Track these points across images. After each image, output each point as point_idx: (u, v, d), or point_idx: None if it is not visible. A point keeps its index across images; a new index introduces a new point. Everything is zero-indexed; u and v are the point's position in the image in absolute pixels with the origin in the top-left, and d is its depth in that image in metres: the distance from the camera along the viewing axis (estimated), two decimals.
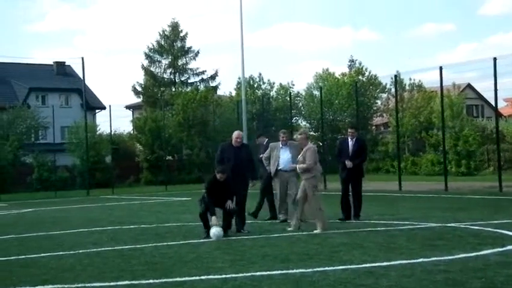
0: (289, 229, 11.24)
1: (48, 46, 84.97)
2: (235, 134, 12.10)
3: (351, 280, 6.81)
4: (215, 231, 10.59)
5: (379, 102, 48.01)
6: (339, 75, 48.21)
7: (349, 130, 13.42)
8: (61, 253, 9.60)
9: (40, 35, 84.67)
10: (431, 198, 19.32)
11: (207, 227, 10.80)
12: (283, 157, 13.08)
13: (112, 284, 7.10)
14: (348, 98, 43.73)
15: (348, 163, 12.77)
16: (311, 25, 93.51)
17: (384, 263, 7.70)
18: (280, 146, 13.21)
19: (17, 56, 78.54)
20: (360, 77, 46.71)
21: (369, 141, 43.75)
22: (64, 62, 54.22)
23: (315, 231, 11.02)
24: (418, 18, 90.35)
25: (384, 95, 47.52)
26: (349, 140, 13.05)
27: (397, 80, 31.32)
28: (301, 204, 11.80)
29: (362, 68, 48.73)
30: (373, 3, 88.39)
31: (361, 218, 12.80)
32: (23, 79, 50.09)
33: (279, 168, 13.10)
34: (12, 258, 9.36)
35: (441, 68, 23.25)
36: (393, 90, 38.73)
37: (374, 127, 49.43)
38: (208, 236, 10.64)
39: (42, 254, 9.57)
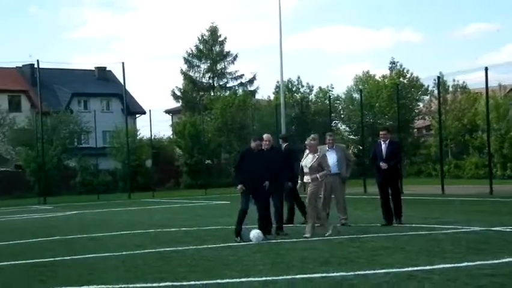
0: (326, 235, 11.08)
1: (89, 52, 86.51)
2: (264, 137, 12.10)
3: (393, 284, 6.73)
4: (255, 233, 10.60)
5: (421, 104, 47.39)
6: (380, 78, 47.75)
7: (380, 132, 13.12)
8: (105, 254, 9.76)
9: (81, 41, 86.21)
10: (475, 202, 18.97)
11: (239, 228, 10.77)
12: (329, 160, 12.97)
13: (154, 285, 7.19)
14: (389, 101, 43.20)
15: (383, 164, 12.55)
16: (351, 27, 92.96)
17: (427, 267, 7.59)
18: (327, 149, 13.11)
19: (60, 61, 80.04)
20: (401, 79, 46.17)
21: (411, 144, 43.24)
22: (105, 68, 55.08)
23: (304, 236, 10.93)
24: (462, 18, 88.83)
25: (427, 97, 46.85)
26: (382, 142, 12.87)
27: (440, 82, 30.85)
28: (325, 209, 12.07)
29: (403, 70, 48.13)
30: (415, 3, 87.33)
31: (403, 221, 12.59)
32: (66, 84, 51.09)
33: None
34: (58, 259, 9.55)
35: (486, 69, 22.78)
36: (435, 92, 38.16)
37: (415, 130, 48.81)
38: (241, 240, 10.61)
39: (87, 255, 9.75)
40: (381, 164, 12.55)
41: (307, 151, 11.58)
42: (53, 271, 8.44)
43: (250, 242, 10.44)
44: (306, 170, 11.31)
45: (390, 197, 12.75)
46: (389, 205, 12.71)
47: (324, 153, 11.64)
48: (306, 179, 11.30)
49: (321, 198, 13.06)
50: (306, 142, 11.60)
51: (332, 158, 12.99)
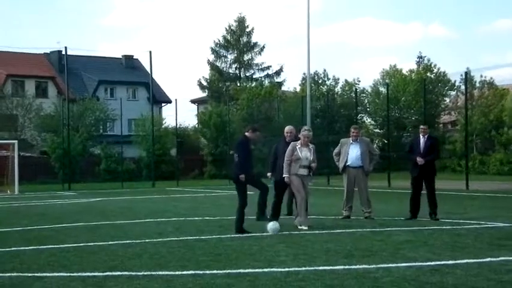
0: (299, 227, 11.12)
1: (116, 39, 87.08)
2: (286, 129, 12.03)
3: (415, 277, 6.71)
4: (271, 224, 10.64)
5: (447, 99, 46.98)
6: (407, 72, 47.45)
7: (421, 127, 13.03)
8: (128, 242, 9.84)
9: (109, 28, 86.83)
10: (499, 198, 18.79)
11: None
12: (352, 153, 12.92)
13: (177, 273, 7.24)
14: (416, 95, 42.95)
15: (420, 160, 12.47)
16: (379, 20, 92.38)
17: (450, 262, 7.56)
18: (351, 141, 13.06)
19: (87, 49, 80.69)
20: (428, 74, 45.76)
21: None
22: (132, 56, 55.36)
23: (302, 227, 11.03)
24: (491, 13, 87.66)
25: (453, 93, 46.45)
26: (421, 137, 12.78)
27: (467, 78, 30.50)
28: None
29: (430, 65, 47.74)
30: None
31: (438, 218, 12.30)
32: (93, 72, 51.47)
33: (347, 164, 12.97)
34: (81, 244, 9.67)
35: None
36: (462, 87, 37.74)
37: (441, 125, 48.40)
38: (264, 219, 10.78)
39: (110, 242, 9.84)
40: (418, 159, 12.45)
41: (298, 143, 11.28)
42: (76, 256, 8.54)
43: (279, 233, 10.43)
44: (305, 162, 11.18)
45: (426, 192, 12.57)
46: (418, 200, 12.60)
47: (313, 145, 11.48)
48: (305, 171, 11.22)
49: (345, 192, 13.07)
50: (304, 133, 11.28)
51: (355, 150, 12.94)
